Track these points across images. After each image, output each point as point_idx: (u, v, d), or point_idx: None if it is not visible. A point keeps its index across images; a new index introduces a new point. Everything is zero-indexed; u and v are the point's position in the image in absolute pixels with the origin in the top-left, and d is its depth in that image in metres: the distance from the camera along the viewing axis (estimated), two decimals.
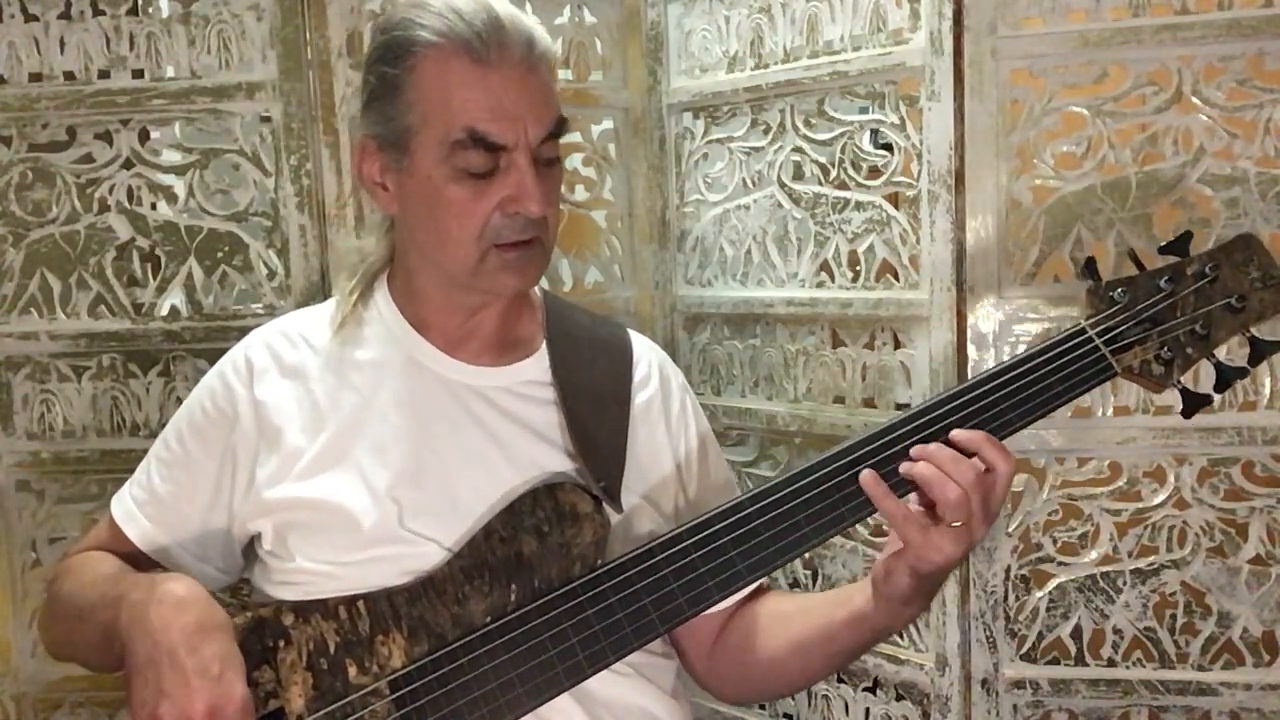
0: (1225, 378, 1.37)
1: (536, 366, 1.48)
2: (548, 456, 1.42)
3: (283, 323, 1.52)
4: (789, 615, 1.47)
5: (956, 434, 1.26)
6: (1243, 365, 1.38)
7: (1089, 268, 1.37)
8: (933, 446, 1.25)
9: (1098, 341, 1.33)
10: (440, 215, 1.35)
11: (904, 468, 1.26)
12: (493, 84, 1.30)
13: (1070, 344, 1.34)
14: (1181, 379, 1.36)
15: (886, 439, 1.29)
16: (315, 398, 1.43)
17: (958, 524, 1.22)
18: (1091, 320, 1.35)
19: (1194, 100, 1.72)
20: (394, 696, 1.29)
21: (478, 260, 1.35)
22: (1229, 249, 1.37)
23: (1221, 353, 1.39)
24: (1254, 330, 1.37)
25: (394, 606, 1.32)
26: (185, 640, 1.20)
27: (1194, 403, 1.37)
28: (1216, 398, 1.39)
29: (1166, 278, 1.36)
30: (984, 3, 1.73)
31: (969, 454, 1.25)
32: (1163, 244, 1.37)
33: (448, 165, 1.32)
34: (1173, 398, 1.39)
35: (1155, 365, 1.34)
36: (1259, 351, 1.37)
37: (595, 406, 1.46)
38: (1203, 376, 1.40)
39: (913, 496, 1.27)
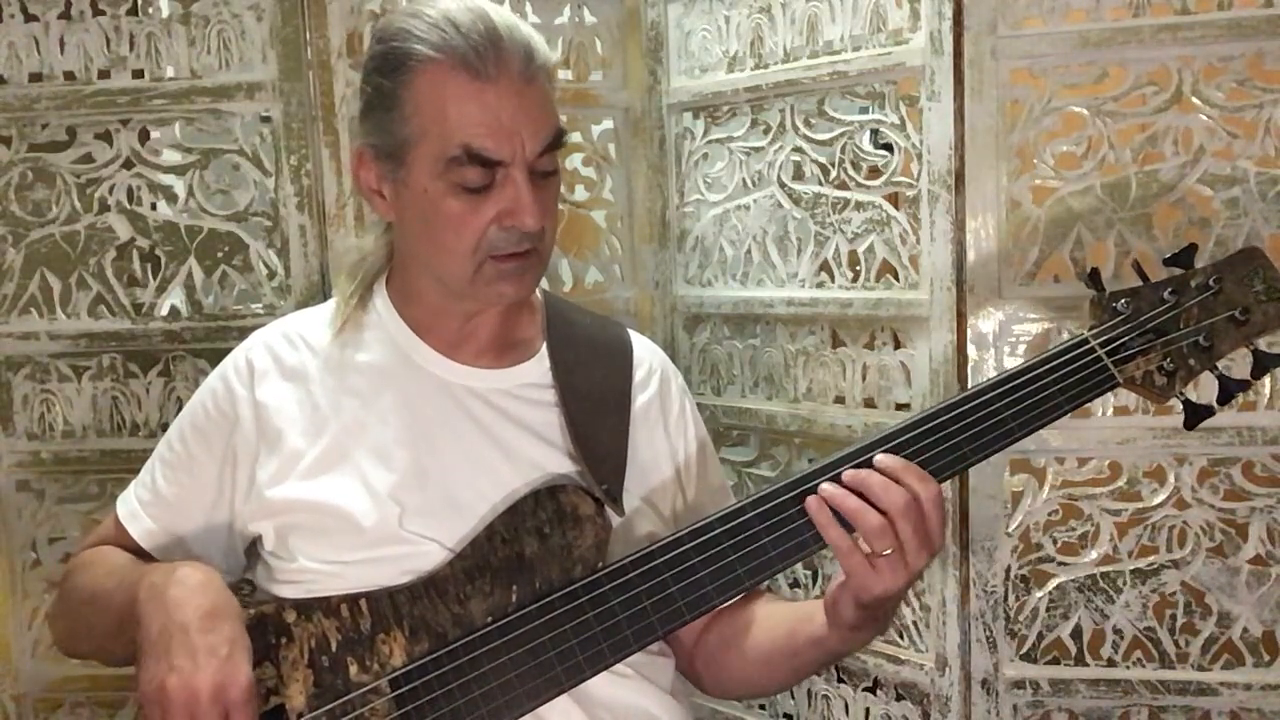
0: (1228, 390, 1.37)
1: (537, 368, 1.48)
2: (548, 458, 1.42)
3: (283, 324, 1.52)
4: (761, 625, 1.48)
5: (880, 459, 1.26)
6: (1245, 378, 1.38)
7: (1093, 278, 1.38)
8: (862, 473, 1.25)
9: (1100, 352, 1.34)
10: (436, 227, 1.35)
11: (830, 495, 1.25)
12: (489, 100, 1.30)
13: (1073, 354, 1.34)
14: (1184, 390, 1.36)
15: (878, 451, 1.30)
16: (315, 400, 1.43)
17: (887, 552, 1.22)
18: (1094, 330, 1.36)
19: (1194, 100, 1.72)
20: (394, 695, 1.29)
21: (474, 271, 1.35)
22: (1233, 261, 1.37)
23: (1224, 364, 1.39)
24: (1257, 343, 1.37)
25: (395, 605, 1.32)
26: (198, 620, 1.22)
27: (1196, 414, 1.38)
28: (1219, 409, 1.39)
29: (1170, 289, 1.36)
30: (984, 3, 1.73)
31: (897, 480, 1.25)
32: (1167, 256, 1.38)
33: (444, 180, 1.32)
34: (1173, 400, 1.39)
35: (1158, 376, 1.35)
36: (1262, 364, 1.37)
37: (596, 408, 1.46)
38: (1206, 387, 1.40)
39: None
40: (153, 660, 1.21)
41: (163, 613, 1.23)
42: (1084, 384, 1.34)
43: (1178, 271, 1.37)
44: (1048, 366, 1.34)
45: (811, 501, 1.26)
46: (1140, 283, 1.38)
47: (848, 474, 1.26)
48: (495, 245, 1.34)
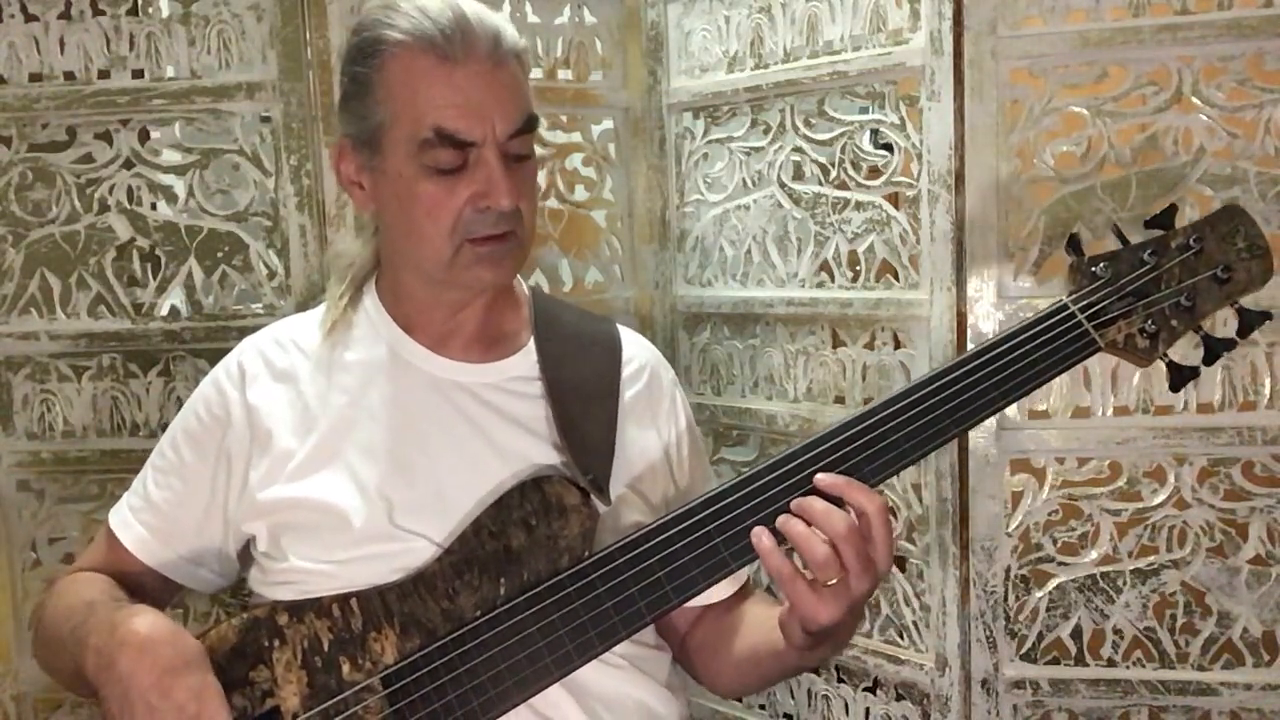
0: (1213, 350, 1.36)
1: (524, 362, 1.48)
2: (535, 450, 1.42)
3: (274, 329, 1.53)
4: (740, 632, 1.49)
5: (820, 479, 1.25)
6: (1230, 337, 1.36)
7: (1072, 244, 1.37)
8: (807, 500, 1.24)
9: (1080, 317, 1.33)
10: (412, 212, 1.36)
11: (779, 523, 1.25)
12: (459, 80, 1.32)
13: (1052, 320, 1.33)
14: (1167, 352, 1.35)
15: (865, 424, 1.30)
16: (305, 400, 1.44)
17: (832, 582, 1.21)
18: (1074, 295, 1.35)
19: (1194, 100, 1.72)
20: (387, 692, 1.29)
21: (451, 255, 1.36)
22: (1214, 220, 1.36)
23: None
24: (1241, 301, 1.36)
25: (386, 603, 1.32)
26: (156, 684, 1.20)
27: (1181, 376, 1.36)
28: (1205, 369, 1.38)
29: (1150, 250, 1.35)
30: (984, 3, 1.73)
31: (840, 501, 1.24)
32: (1147, 218, 1.37)
33: (417, 163, 1.33)
34: (1174, 397, 1.38)
35: (1140, 339, 1.33)
36: (1247, 322, 1.36)
37: (583, 400, 1.46)
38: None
39: None
40: None
41: (118, 685, 1.21)
42: (1065, 350, 1.32)
43: (1158, 233, 1.36)
44: (1028, 334, 1.33)
45: (757, 532, 1.25)
46: (1120, 246, 1.37)
47: (794, 503, 1.25)
48: (471, 228, 1.35)
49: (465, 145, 1.33)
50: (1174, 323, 1.34)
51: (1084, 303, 1.34)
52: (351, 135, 1.41)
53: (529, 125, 1.37)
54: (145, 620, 1.26)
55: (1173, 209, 1.37)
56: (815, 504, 1.23)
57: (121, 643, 1.23)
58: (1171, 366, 1.36)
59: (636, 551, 1.30)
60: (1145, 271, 1.34)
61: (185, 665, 1.23)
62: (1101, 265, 1.35)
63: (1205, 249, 1.34)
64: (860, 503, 1.23)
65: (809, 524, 1.23)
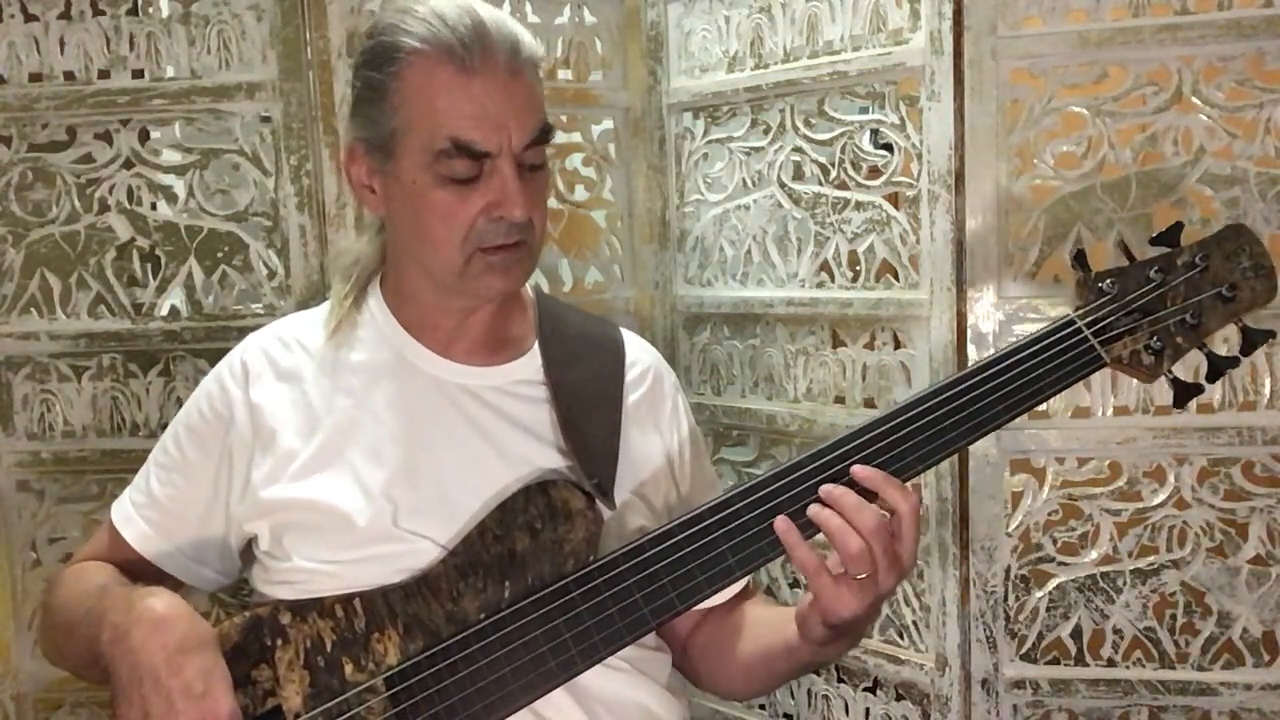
0: (1217, 367, 1.37)
1: (529, 365, 1.48)
2: (540, 454, 1.42)
3: (278, 327, 1.53)
4: (745, 632, 1.49)
5: (857, 470, 1.27)
6: (1234, 355, 1.38)
7: (1078, 259, 1.38)
8: (838, 490, 1.25)
9: (1086, 333, 1.34)
10: (425, 219, 1.35)
11: (811, 512, 1.25)
12: (476, 91, 1.31)
13: (1059, 335, 1.34)
14: (1172, 369, 1.36)
15: (868, 436, 1.30)
16: (309, 400, 1.44)
17: (862, 576, 1.22)
18: (1080, 311, 1.36)
19: (1194, 100, 1.72)
20: (390, 693, 1.30)
21: (463, 263, 1.36)
22: (1220, 238, 1.37)
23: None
24: (1245, 319, 1.37)
25: (389, 604, 1.32)
26: (167, 660, 1.20)
27: (1185, 393, 1.37)
28: (1208, 387, 1.39)
29: (1156, 268, 1.36)
30: (984, 3, 1.73)
31: (872, 495, 1.25)
32: (1153, 235, 1.38)
33: (432, 172, 1.33)
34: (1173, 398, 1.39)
35: (1145, 355, 1.34)
36: (1250, 340, 1.37)
37: (587, 404, 1.47)
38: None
39: None
40: (128, 708, 1.20)
41: (129, 657, 1.21)
42: (1071, 365, 1.33)
43: (1164, 250, 1.37)
44: (1035, 348, 1.34)
45: (780, 522, 1.26)
46: (1126, 262, 1.38)
47: (822, 490, 1.26)
48: (484, 237, 1.34)
49: (481, 156, 1.32)
50: (1179, 340, 1.35)
51: (1090, 318, 1.35)
52: (364, 139, 1.40)
53: (544, 135, 1.37)
54: (162, 600, 1.26)
55: (1179, 226, 1.37)
56: (848, 497, 1.24)
57: (138, 619, 1.23)
58: (1175, 383, 1.37)
59: (642, 557, 1.31)
60: (1152, 289, 1.36)
61: (197, 645, 1.23)
62: (1108, 281, 1.36)
63: (1211, 267, 1.36)
64: (895, 500, 1.24)
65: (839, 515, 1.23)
